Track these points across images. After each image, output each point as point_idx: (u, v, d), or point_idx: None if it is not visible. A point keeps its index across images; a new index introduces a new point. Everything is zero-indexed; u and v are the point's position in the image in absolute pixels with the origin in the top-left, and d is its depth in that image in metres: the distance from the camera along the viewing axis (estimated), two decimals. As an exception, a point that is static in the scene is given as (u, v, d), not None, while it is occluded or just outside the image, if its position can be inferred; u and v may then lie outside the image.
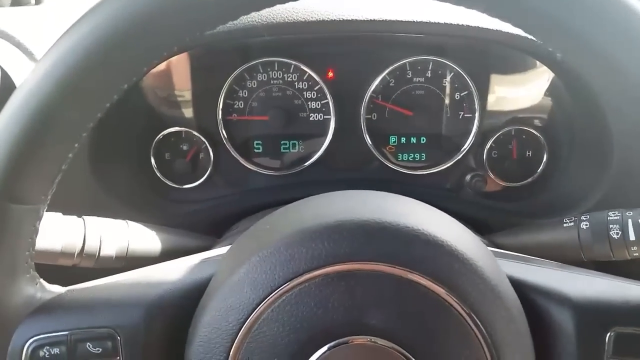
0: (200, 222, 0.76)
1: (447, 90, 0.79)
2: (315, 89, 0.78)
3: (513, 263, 0.44)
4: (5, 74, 0.60)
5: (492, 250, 0.45)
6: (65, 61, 0.32)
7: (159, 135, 0.79)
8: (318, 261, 0.35)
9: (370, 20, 0.68)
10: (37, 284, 0.40)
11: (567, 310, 0.39)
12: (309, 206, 0.41)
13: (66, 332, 0.38)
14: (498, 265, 0.40)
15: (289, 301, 0.35)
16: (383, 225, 0.36)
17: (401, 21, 0.68)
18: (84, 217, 0.54)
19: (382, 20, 0.68)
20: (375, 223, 0.37)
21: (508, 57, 0.78)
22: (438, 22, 0.68)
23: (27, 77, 0.34)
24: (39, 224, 0.38)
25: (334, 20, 0.68)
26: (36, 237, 0.38)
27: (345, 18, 0.68)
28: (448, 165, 0.80)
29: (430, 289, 0.35)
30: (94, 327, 0.38)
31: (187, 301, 0.39)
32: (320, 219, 0.37)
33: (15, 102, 0.34)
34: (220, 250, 0.46)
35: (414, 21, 0.68)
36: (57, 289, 0.41)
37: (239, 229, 0.71)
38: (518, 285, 0.40)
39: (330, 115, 0.79)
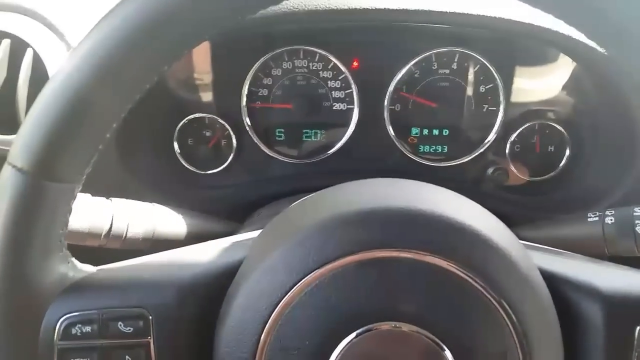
0: (221, 208, 0.77)
1: (472, 83, 0.78)
2: (340, 78, 0.78)
3: (543, 254, 0.44)
4: (36, 55, 0.61)
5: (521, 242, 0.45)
6: (106, 43, 0.33)
7: (183, 121, 0.79)
8: (352, 247, 0.36)
9: (399, 9, 0.68)
10: (69, 262, 0.40)
11: (597, 303, 0.39)
12: (344, 192, 0.41)
13: (98, 311, 0.39)
14: (529, 257, 0.40)
15: (322, 286, 0.35)
16: (418, 213, 0.36)
17: (429, 11, 0.68)
18: (111, 198, 0.55)
19: (410, 9, 0.68)
20: (411, 211, 0.37)
21: (534, 51, 0.78)
22: (466, 13, 0.68)
23: (68, 57, 0.35)
24: (73, 203, 0.38)
25: (363, 8, 0.68)
26: (69, 216, 0.39)
27: (373, 7, 0.68)
28: (470, 158, 0.80)
29: (464, 277, 0.35)
30: (125, 306, 0.39)
31: (219, 283, 0.40)
32: (356, 205, 0.37)
33: (56, 82, 0.34)
34: (250, 234, 0.46)
35: (442, 11, 0.68)
36: (88, 268, 0.42)
37: (261, 215, 0.71)
38: (547, 277, 0.40)
39: (353, 105, 0.79)
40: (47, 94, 0.34)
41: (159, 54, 0.34)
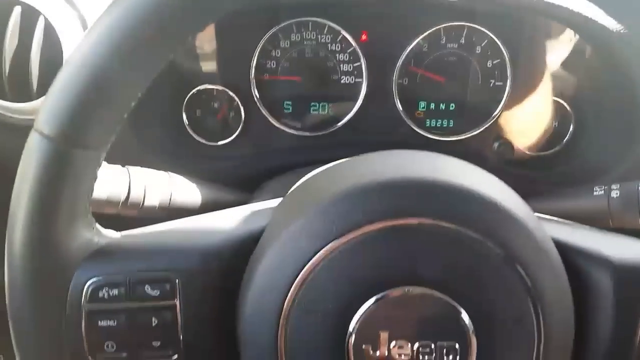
0: (229, 179, 0.77)
1: (480, 58, 0.79)
2: (349, 51, 0.78)
3: (554, 224, 0.46)
4: (48, 23, 0.61)
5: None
6: (130, 13, 0.33)
7: (191, 92, 0.79)
8: (374, 215, 0.37)
9: None
10: (94, 228, 0.41)
11: (607, 271, 0.41)
12: (364, 163, 0.42)
13: (125, 274, 0.40)
14: (543, 226, 0.41)
15: (344, 253, 0.37)
16: (438, 182, 0.38)
17: None
18: (127, 167, 0.56)
19: None
20: (430, 180, 0.38)
21: (541, 26, 0.78)
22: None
23: (92, 27, 0.35)
24: (98, 170, 0.39)
25: None
26: (94, 183, 0.39)
27: None
28: (476, 132, 0.81)
29: (482, 244, 0.36)
30: (152, 270, 0.40)
31: (243, 249, 0.41)
32: (377, 175, 0.38)
33: (81, 51, 0.34)
34: (270, 203, 0.47)
35: None
36: (113, 234, 0.43)
37: (271, 186, 0.72)
38: (559, 246, 0.41)
39: (362, 78, 0.79)
40: (73, 64, 0.35)
41: (182, 22, 0.34)
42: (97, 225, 0.42)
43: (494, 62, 0.79)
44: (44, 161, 0.35)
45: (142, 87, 0.37)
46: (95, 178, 0.39)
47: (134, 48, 0.34)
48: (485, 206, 0.37)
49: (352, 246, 0.37)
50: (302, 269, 0.37)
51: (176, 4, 0.33)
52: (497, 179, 0.42)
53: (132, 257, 0.41)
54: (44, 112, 0.35)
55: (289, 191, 0.44)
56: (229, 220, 0.44)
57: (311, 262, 0.37)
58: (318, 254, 0.37)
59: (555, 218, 0.49)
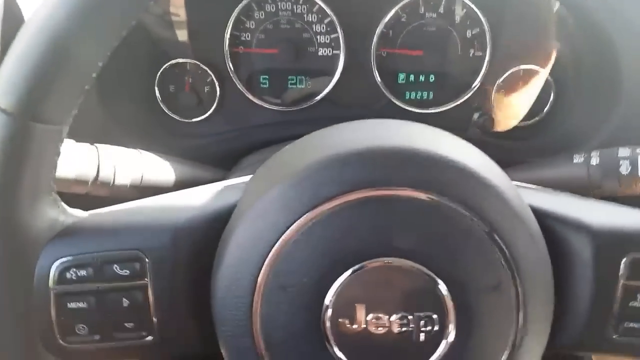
0: (205, 156, 0.75)
1: (459, 27, 0.77)
2: (325, 22, 0.76)
3: (532, 191, 0.45)
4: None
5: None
6: None
7: (163, 67, 0.77)
8: (347, 186, 0.36)
9: None
10: (59, 207, 0.40)
11: (585, 237, 0.40)
12: (337, 133, 0.40)
13: (92, 254, 0.38)
14: (519, 193, 0.40)
15: (318, 225, 0.36)
16: (411, 151, 0.37)
17: None
18: (96, 145, 0.54)
19: None
20: (403, 149, 0.37)
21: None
22: None
23: None
24: (60, 146, 0.37)
25: None
26: (58, 159, 0.38)
27: None
28: (456, 104, 0.80)
29: (457, 213, 0.36)
30: (121, 249, 0.38)
31: (215, 225, 0.40)
32: (351, 144, 0.37)
33: (36, 21, 0.33)
34: (243, 179, 0.46)
35: None
36: (79, 213, 0.41)
37: (248, 162, 0.71)
38: (537, 213, 0.41)
39: (339, 50, 0.77)
40: (28, 35, 0.33)
41: None
42: (63, 204, 0.40)
43: (473, 31, 0.77)
44: (2, 136, 0.33)
45: (103, 56, 0.35)
46: (58, 154, 0.37)
47: (93, 11, 0.33)
48: (461, 174, 0.36)
49: (326, 218, 0.35)
50: (276, 242, 0.36)
51: None
52: (473, 146, 0.41)
53: (99, 236, 0.39)
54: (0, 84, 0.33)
55: (262, 166, 0.43)
56: (202, 197, 0.42)
57: (284, 235, 0.36)
58: (291, 226, 0.36)
59: (533, 186, 0.49)
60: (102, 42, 0.35)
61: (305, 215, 0.35)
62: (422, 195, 0.36)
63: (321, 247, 0.36)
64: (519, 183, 0.50)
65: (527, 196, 0.43)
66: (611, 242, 0.40)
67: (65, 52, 0.33)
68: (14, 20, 0.58)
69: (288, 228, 0.36)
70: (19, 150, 0.34)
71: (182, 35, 0.77)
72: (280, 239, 0.36)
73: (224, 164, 0.74)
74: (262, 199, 0.37)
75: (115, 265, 0.38)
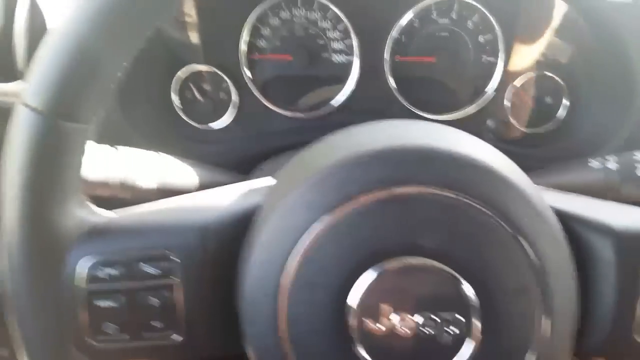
0: (221, 162, 0.76)
1: (472, 33, 0.78)
2: (339, 28, 0.77)
3: (554, 194, 0.45)
4: (33, 1, 0.59)
5: None
6: None
7: (180, 73, 0.78)
8: (371, 185, 0.36)
9: None
10: (86, 206, 0.40)
11: (608, 239, 0.40)
12: (360, 133, 0.41)
13: (122, 253, 0.39)
14: (542, 195, 0.40)
15: (342, 224, 0.36)
16: (437, 151, 0.37)
17: None
18: (116, 147, 0.54)
19: None
20: (429, 149, 0.37)
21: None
22: None
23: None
24: (86, 145, 0.38)
25: None
26: (83, 158, 0.38)
27: None
28: (469, 110, 0.80)
29: (482, 213, 0.36)
30: (150, 248, 0.39)
31: (241, 225, 0.40)
32: (374, 143, 0.38)
33: (65, 25, 0.34)
34: (265, 181, 0.46)
35: None
36: (107, 213, 0.42)
37: (266, 168, 0.71)
38: (559, 215, 0.41)
39: (353, 56, 0.78)
40: (56, 37, 0.34)
41: None
42: (90, 204, 0.41)
43: (486, 37, 0.78)
44: (32, 135, 0.34)
45: (128, 56, 0.36)
46: (83, 153, 0.38)
47: (118, 13, 0.33)
48: (486, 175, 0.37)
49: (350, 217, 0.36)
50: (299, 241, 0.36)
51: None
52: (495, 148, 0.41)
53: (129, 236, 0.40)
54: (30, 85, 0.34)
55: (285, 166, 0.43)
56: (227, 197, 0.43)
57: (308, 234, 0.36)
58: (314, 225, 0.36)
59: (553, 189, 0.49)
60: (127, 43, 0.35)
61: (327, 215, 0.36)
62: (446, 194, 0.36)
63: (345, 246, 0.36)
64: (539, 186, 0.50)
65: (549, 198, 0.43)
66: (634, 245, 0.40)
67: (92, 53, 0.34)
68: (39, 25, 0.59)
69: (310, 227, 0.36)
70: (48, 148, 0.35)
71: (198, 42, 0.78)
72: (303, 239, 0.36)
73: (239, 169, 0.74)
74: (286, 198, 0.37)
75: (145, 265, 0.38)
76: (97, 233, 0.39)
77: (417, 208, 0.36)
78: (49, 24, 0.60)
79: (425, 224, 0.36)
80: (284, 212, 0.37)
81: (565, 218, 0.42)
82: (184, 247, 0.39)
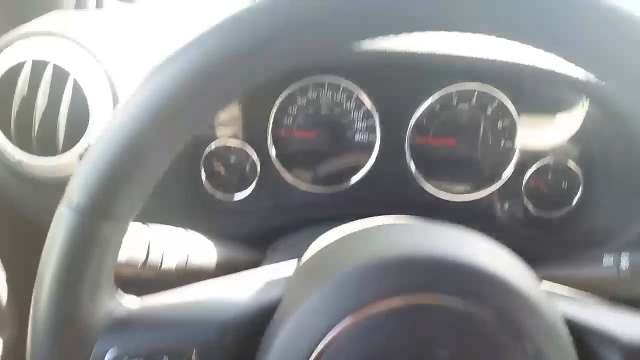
0: (242, 235, 0.78)
1: (490, 119, 0.81)
2: (363, 109, 0.81)
3: (565, 300, 0.46)
4: (76, 82, 0.63)
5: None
6: (161, 92, 0.34)
7: (208, 148, 0.81)
8: (388, 293, 0.37)
9: (439, 54, 0.71)
10: (116, 297, 0.42)
11: (617, 352, 0.41)
12: (379, 233, 0.43)
13: (144, 347, 0.40)
14: (555, 305, 0.42)
15: (358, 331, 0.37)
16: (454, 261, 0.38)
17: (455, 56, 0.71)
18: (148, 224, 0.57)
19: (438, 54, 0.71)
20: (450, 259, 0.39)
21: (550, 88, 0.80)
22: (492, 59, 0.70)
23: (124, 103, 0.36)
24: (123, 239, 0.40)
25: (392, 51, 0.70)
26: (119, 251, 0.40)
27: (405, 50, 0.71)
28: (487, 193, 0.82)
29: (497, 326, 0.37)
30: (170, 343, 0.41)
31: (258, 322, 0.42)
32: (392, 250, 0.39)
33: (112, 128, 0.35)
34: (283, 270, 0.48)
35: (467, 56, 0.70)
36: (132, 303, 0.43)
37: (284, 245, 0.73)
38: (569, 323, 0.42)
39: (375, 136, 0.81)
40: (104, 140, 0.36)
41: (212, 101, 0.35)
42: (119, 294, 0.43)
43: (504, 123, 0.80)
44: (71, 233, 0.36)
45: (171, 157, 0.38)
46: (119, 247, 0.40)
47: (161, 129, 0.35)
48: (500, 287, 0.38)
49: (366, 324, 0.37)
50: (316, 346, 0.37)
51: (202, 81, 0.33)
52: (511, 255, 0.43)
53: (151, 329, 0.41)
54: (73, 185, 0.36)
55: (302, 261, 0.45)
56: (246, 290, 0.45)
57: (325, 339, 0.37)
58: (332, 331, 0.37)
59: (564, 289, 0.50)
60: (167, 152, 0.37)
61: (344, 321, 0.37)
62: (461, 306, 0.37)
63: (360, 352, 0.37)
64: (551, 287, 0.51)
65: (561, 305, 0.44)
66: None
67: (134, 161, 0.35)
68: (80, 106, 0.63)
69: (328, 332, 0.37)
70: (87, 247, 0.36)
71: (228, 119, 0.82)
72: (320, 343, 0.37)
73: (260, 242, 0.76)
74: (303, 302, 0.39)
75: (165, 357, 0.40)
76: (122, 325, 0.41)
77: (431, 318, 0.37)
78: (89, 102, 0.64)
79: (438, 334, 0.38)
80: (300, 316, 0.38)
81: (573, 326, 0.42)
82: (202, 343, 0.40)
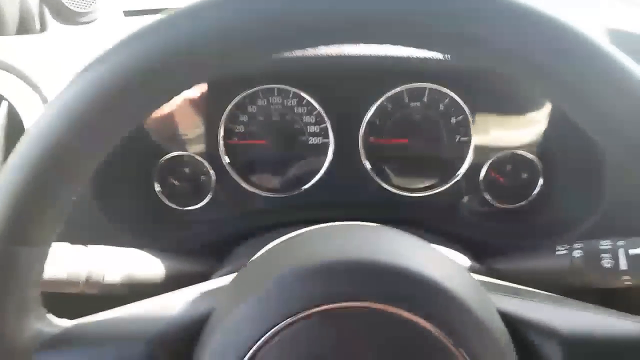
0: (199, 245, 0.78)
1: (443, 115, 0.80)
2: (314, 113, 0.80)
3: (504, 296, 0.46)
4: (11, 107, 0.62)
5: (483, 282, 0.47)
6: (76, 102, 0.33)
7: (162, 160, 0.80)
8: (311, 301, 0.37)
9: (385, 56, 0.71)
10: (44, 319, 0.41)
11: (556, 345, 0.40)
12: (305, 242, 0.42)
13: None
14: (489, 300, 0.41)
15: (285, 340, 0.37)
16: (377, 265, 0.38)
17: (401, 57, 0.70)
18: (88, 245, 0.56)
19: (385, 56, 0.70)
20: (370, 263, 0.38)
21: (502, 82, 0.80)
22: (440, 60, 0.70)
23: (38, 117, 0.35)
24: (44, 263, 0.39)
25: (339, 55, 0.70)
26: (42, 275, 0.39)
27: (350, 54, 0.70)
28: (445, 188, 0.82)
29: (424, 328, 0.37)
30: (99, 359, 0.40)
31: (189, 335, 0.41)
32: (315, 257, 0.39)
33: (23, 145, 0.34)
34: (219, 282, 0.47)
35: (415, 57, 0.70)
36: (63, 323, 0.43)
37: (238, 254, 0.72)
38: (508, 319, 0.42)
39: (328, 138, 0.80)
40: (11, 167, 0.34)
41: (135, 107, 0.34)
42: (48, 315, 0.42)
43: (457, 118, 0.80)
44: None
45: (86, 178, 0.37)
46: (42, 271, 0.39)
47: (76, 142, 0.33)
48: (426, 287, 0.37)
49: (292, 333, 0.37)
50: (246, 354, 0.37)
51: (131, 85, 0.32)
52: (441, 254, 0.42)
53: (81, 349, 0.41)
54: None
55: (235, 275, 0.45)
56: (178, 304, 0.44)
57: (252, 350, 0.37)
58: (259, 341, 0.37)
59: (505, 285, 0.50)
60: (80, 171, 0.36)
61: (270, 331, 0.37)
62: (386, 309, 0.37)
63: (289, 359, 0.37)
64: (491, 282, 0.51)
65: (498, 300, 0.44)
66: (582, 349, 0.40)
67: (45, 182, 0.34)
68: (16, 132, 0.62)
69: (256, 343, 0.37)
70: (4, 273, 0.36)
71: (177, 130, 0.81)
72: (249, 354, 0.37)
73: (218, 250, 0.76)
74: (231, 313, 0.38)
75: None
76: (52, 346, 0.40)
77: (358, 323, 0.37)
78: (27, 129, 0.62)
79: (366, 339, 0.37)
80: (228, 328, 0.38)
81: (512, 321, 0.42)
82: (132, 358, 0.40)
